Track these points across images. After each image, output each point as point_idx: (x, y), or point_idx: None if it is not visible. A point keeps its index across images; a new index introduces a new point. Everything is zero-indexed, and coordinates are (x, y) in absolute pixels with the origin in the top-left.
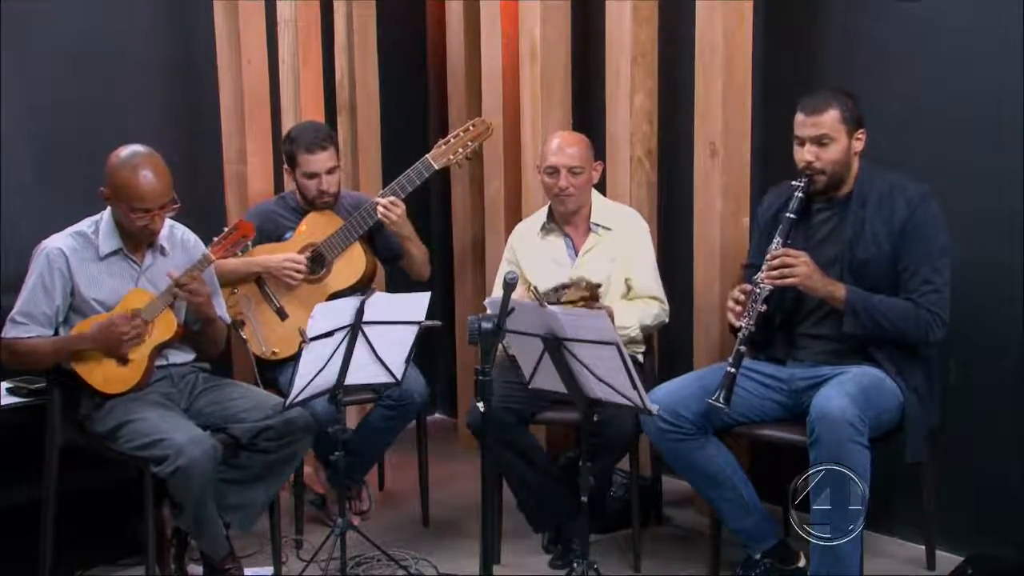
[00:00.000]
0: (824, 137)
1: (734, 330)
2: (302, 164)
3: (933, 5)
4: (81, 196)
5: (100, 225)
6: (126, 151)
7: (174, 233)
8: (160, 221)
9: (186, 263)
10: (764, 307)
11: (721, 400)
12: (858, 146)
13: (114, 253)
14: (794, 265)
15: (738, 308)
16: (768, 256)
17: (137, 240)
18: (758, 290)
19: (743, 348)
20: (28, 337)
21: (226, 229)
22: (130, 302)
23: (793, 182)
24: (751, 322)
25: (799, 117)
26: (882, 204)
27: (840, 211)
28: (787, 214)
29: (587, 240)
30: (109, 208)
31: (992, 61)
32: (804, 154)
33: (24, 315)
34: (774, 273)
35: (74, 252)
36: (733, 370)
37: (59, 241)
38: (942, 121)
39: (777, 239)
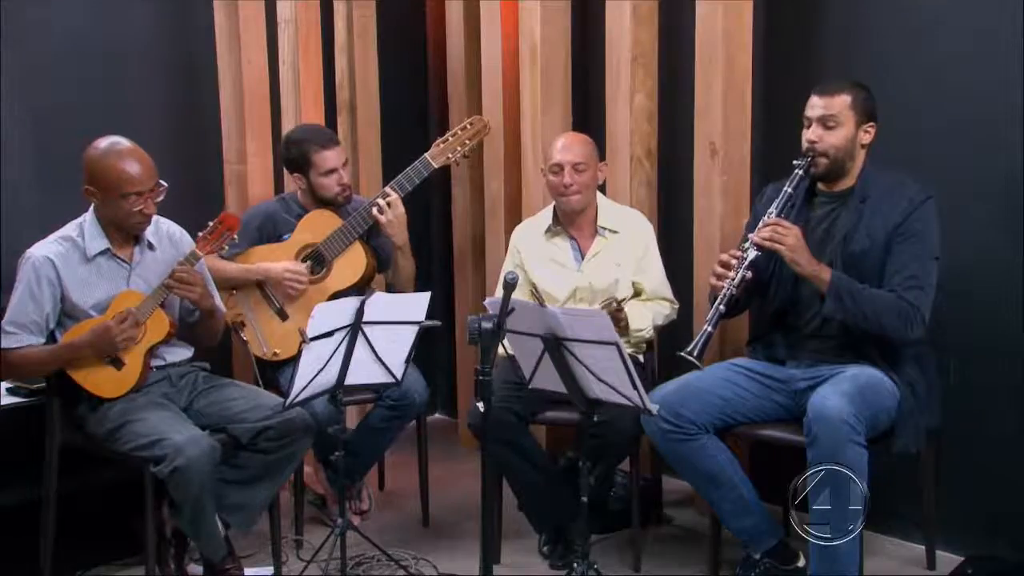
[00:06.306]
0: (830, 119)
1: (714, 295)
2: (319, 163)
3: (933, 5)
4: (81, 196)
5: (84, 227)
6: (104, 142)
7: (159, 227)
8: (153, 204)
9: (175, 256)
10: (750, 273)
11: (695, 355)
12: (865, 138)
13: (102, 253)
14: (784, 235)
15: (719, 270)
16: (761, 223)
17: (125, 236)
18: (745, 255)
19: (723, 308)
20: (19, 347)
21: (211, 224)
22: (122, 303)
23: (795, 161)
24: (733, 283)
25: (812, 98)
26: (883, 200)
27: (840, 205)
28: (786, 188)
29: (593, 244)
30: (91, 209)
31: (992, 61)
32: (809, 134)
33: (14, 324)
34: (764, 232)
35: (61, 258)
36: (711, 328)
37: (45, 248)
38: (942, 121)
39: (772, 209)
